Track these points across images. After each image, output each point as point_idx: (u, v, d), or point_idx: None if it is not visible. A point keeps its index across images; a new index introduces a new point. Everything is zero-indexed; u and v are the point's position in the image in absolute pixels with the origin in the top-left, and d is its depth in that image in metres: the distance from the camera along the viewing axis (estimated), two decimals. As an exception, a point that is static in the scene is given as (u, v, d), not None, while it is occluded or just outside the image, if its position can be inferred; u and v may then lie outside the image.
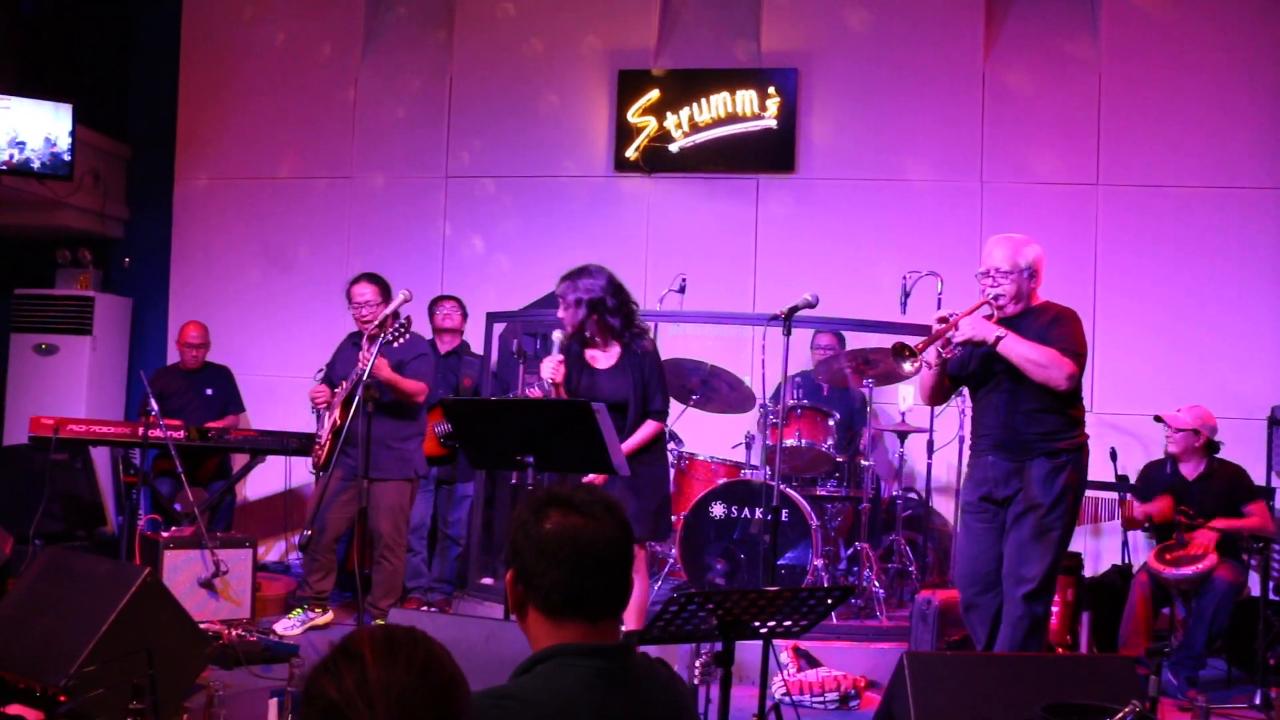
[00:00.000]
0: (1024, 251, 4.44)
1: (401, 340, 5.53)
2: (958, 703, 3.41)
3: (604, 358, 4.85)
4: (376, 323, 5.51)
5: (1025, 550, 4.37)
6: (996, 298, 4.42)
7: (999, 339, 4.28)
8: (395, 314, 5.46)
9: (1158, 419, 5.93)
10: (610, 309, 4.74)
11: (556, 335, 4.74)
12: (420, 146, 8.29)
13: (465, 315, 7.03)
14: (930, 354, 4.31)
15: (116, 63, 9.07)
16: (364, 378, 5.40)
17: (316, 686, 1.29)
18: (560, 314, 4.79)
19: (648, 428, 4.78)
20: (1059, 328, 4.37)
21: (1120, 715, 2.39)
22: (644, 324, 4.94)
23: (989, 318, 4.38)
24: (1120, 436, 6.87)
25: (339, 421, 5.70)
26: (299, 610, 5.94)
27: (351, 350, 5.94)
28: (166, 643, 3.81)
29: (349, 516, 5.79)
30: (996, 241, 4.52)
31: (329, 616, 6.00)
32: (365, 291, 5.87)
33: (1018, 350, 4.28)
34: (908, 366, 4.25)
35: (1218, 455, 5.85)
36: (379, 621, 5.49)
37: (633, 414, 4.75)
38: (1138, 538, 6.50)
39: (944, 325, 4.31)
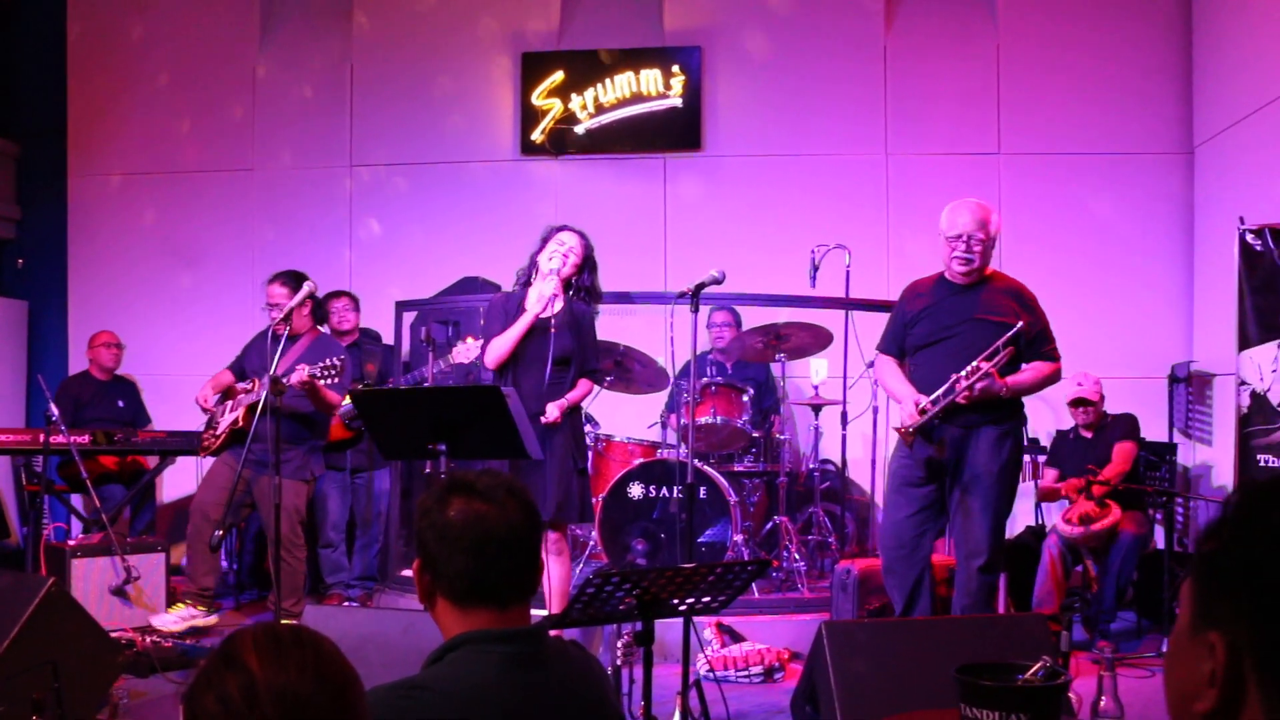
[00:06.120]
0: (993, 219, 4.56)
1: (333, 380, 5.30)
2: (876, 669, 3.45)
3: (552, 310, 4.84)
4: (280, 317, 5.21)
5: (975, 521, 4.43)
6: (968, 262, 4.50)
7: (1006, 388, 4.42)
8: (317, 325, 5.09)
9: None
10: (592, 269, 4.99)
11: (552, 266, 4.82)
12: (323, 135, 8.14)
13: (358, 309, 6.83)
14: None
15: (-1, 56, 8.77)
16: (275, 378, 4.99)
17: (198, 703, 1.15)
18: (553, 260, 4.85)
19: (585, 385, 4.97)
20: (1036, 321, 4.50)
21: (1030, 671, 2.43)
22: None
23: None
24: (1028, 401, 6.99)
25: (241, 422, 5.54)
26: (181, 605, 5.60)
27: (267, 344, 5.77)
28: (75, 654, 3.71)
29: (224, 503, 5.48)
30: (964, 207, 4.58)
31: (213, 619, 5.65)
32: (275, 292, 5.68)
33: (1025, 385, 4.49)
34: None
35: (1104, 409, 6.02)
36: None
37: (574, 370, 4.89)
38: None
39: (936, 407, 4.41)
